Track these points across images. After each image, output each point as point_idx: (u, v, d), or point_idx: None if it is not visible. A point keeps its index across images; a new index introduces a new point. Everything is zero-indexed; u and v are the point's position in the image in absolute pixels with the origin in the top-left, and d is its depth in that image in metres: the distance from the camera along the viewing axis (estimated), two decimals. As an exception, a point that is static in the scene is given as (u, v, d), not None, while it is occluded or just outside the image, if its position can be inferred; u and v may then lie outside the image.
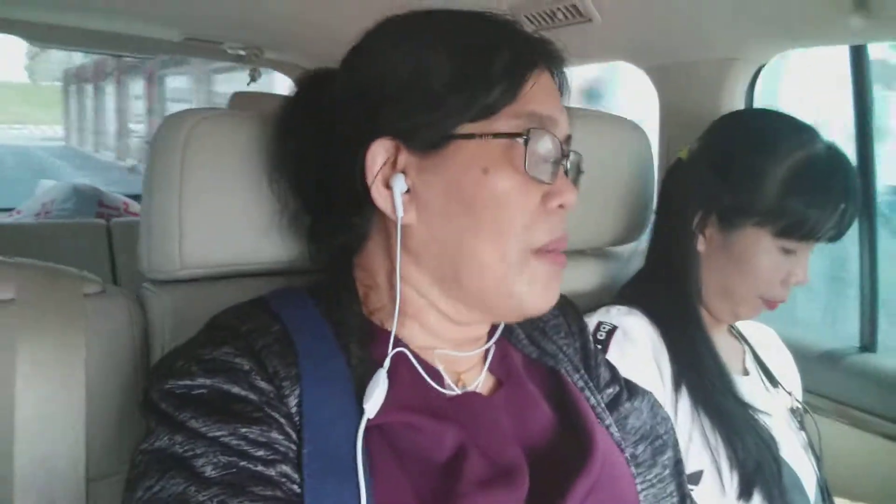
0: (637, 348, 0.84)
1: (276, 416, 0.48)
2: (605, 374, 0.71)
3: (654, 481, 0.66)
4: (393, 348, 0.55)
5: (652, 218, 1.03)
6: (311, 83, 0.66)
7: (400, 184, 0.54)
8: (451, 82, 0.53)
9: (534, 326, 0.68)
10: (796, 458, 0.89)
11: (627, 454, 0.64)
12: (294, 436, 0.48)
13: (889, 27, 0.96)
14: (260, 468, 0.45)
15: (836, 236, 0.86)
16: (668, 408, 0.82)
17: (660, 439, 0.69)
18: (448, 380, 0.58)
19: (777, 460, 0.84)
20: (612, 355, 0.82)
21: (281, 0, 1.41)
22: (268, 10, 1.51)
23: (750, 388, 0.92)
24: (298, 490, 0.46)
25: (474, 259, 0.54)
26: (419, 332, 0.59)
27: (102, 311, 0.69)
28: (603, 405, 0.67)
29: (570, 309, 0.74)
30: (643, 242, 1.04)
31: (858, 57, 1.20)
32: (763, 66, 1.20)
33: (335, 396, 0.50)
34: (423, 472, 0.50)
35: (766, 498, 0.81)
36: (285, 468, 0.46)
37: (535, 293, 0.56)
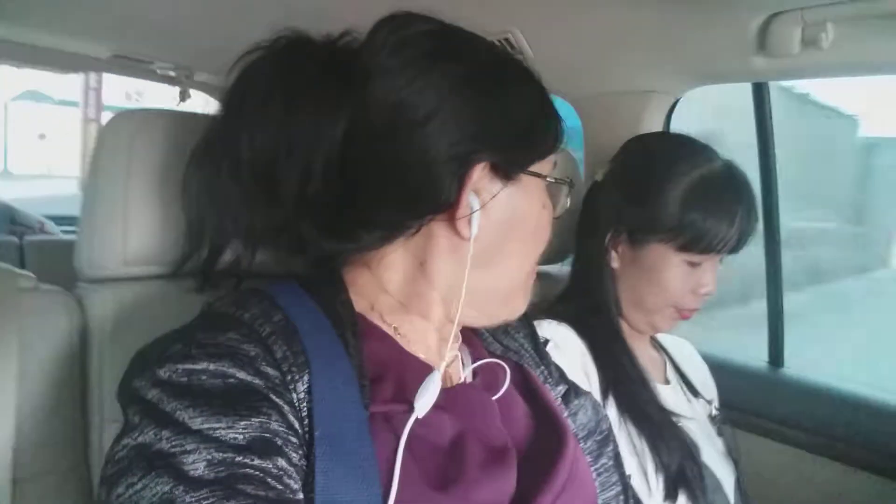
0: (567, 359, 0.88)
1: (281, 402, 0.47)
2: (555, 373, 0.75)
3: (601, 471, 0.69)
4: (380, 337, 0.58)
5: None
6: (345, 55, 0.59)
7: (478, 203, 0.57)
8: (535, 121, 0.59)
9: (497, 327, 0.71)
10: (716, 463, 0.94)
11: (580, 445, 0.68)
12: (297, 424, 0.47)
13: (786, 67, 1.06)
14: (257, 461, 0.43)
15: (736, 248, 0.92)
16: None
17: (603, 433, 0.72)
18: (449, 371, 0.62)
19: (698, 464, 0.88)
20: None
21: (213, 20, 1.39)
22: (199, 30, 1.49)
23: (672, 396, 0.97)
24: (295, 486, 0.45)
25: (507, 271, 0.61)
26: (420, 327, 0.61)
27: (37, 308, 0.67)
28: (559, 399, 0.71)
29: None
30: (568, 263, 1.09)
31: (760, 91, 1.32)
32: (679, 98, 1.29)
33: (340, 385, 0.50)
34: (429, 457, 0.52)
35: (689, 499, 0.85)
36: (282, 462, 0.45)
37: (524, 301, 0.65)
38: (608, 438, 0.73)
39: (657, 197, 0.91)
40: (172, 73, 1.76)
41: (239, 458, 0.43)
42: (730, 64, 1.12)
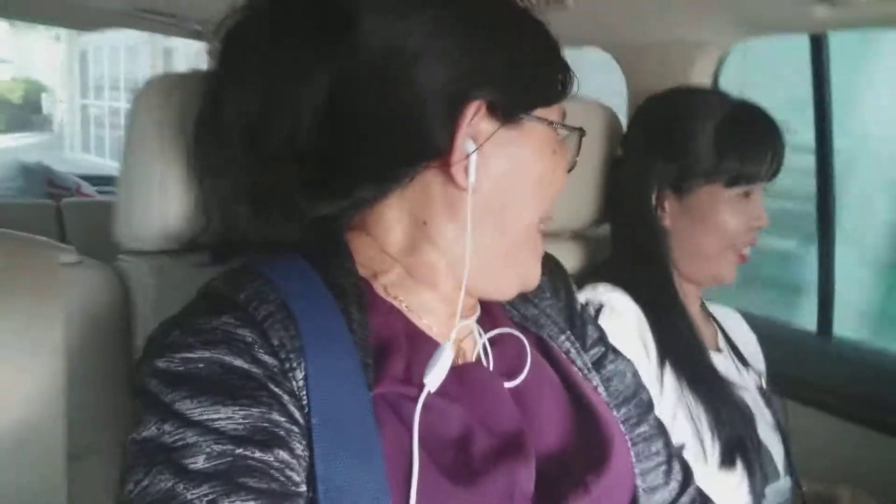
0: (625, 324, 0.87)
1: (280, 392, 0.45)
2: (592, 334, 0.71)
3: (638, 440, 0.66)
4: (387, 310, 0.55)
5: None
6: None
7: (474, 150, 0.53)
8: (539, 66, 0.56)
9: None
10: (766, 435, 0.92)
11: (615, 414, 0.64)
12: (298, 414, 0.45)
13: (850, 16, 0.98)
14: (258, 454, 0.42)
15: (776, 171, 0.94)
16: (653, 383, 0.85)
17: (643, 401, 0.69)
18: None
19: (756, 432, 0.87)
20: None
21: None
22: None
23: (724, 365, 0.95)
24: (297, 479, 0.44)
25: (512, 226, 0.57)
26: (428, 299, 0.57)
27: (80, 282, 0.66)
28: (589, 365, 0.66)
29: (556, 268, 0.74)
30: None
31: (818, 46, 1.24)
32: (728, 51, 1.22)
33: (340, 365, 0.48)
34: (438, 447, 0.49)
35: (746, 468, 0.84)
36: (284, 454, 0.43)
37: (535, 265, 0.60)
38: (650, 406, 0.70)
39: (690, 145, 0.93)
40: (199, 28, 1.72)
41: (239, 451, 0.42)
42: (788, 12, 1.05)
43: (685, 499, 0.68)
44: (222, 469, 0.41)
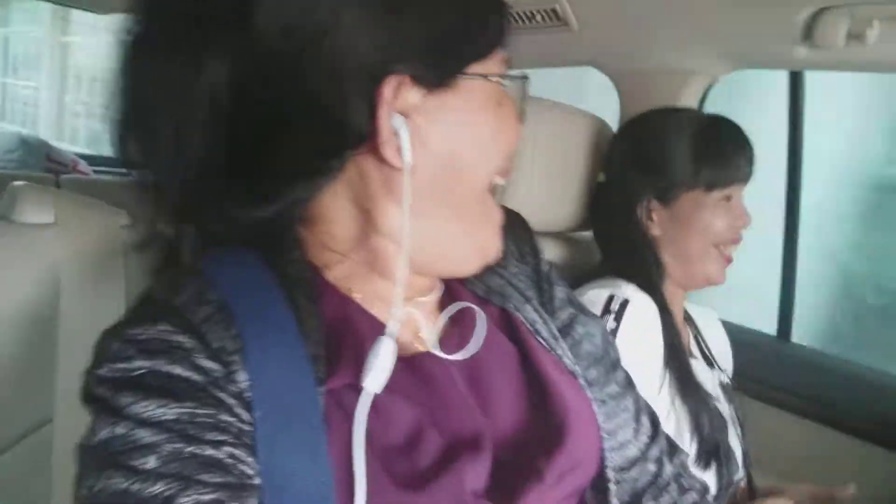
0: (650, 322, 0.95)
1: (224, 396, 0.43)
2: (559, 295, 0.68)
3: (606, 399, 0.65)
4: (340, 300, 0.52)
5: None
6: None
7: (404, 126, 0.48)
8: (465, 18, 0.50)
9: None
10: (728, 431, 1.01)
11: (581, 381, 0.61)
12: (246, 415, 0.44)
13: (828, 59, 1.09)
14: (209, 452, 0.41)
15: (750, 174, 1.03)
16: (655, 381, 0.93)
17: (611, 361, 0.68)
18: (405, 338, 0.53)
19: (727, 437, 0.96)
20: (628, 328, 0.92)
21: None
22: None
23: (698, 368, 1.04)
24: (251, 472, 0.42)
25: (472, 194, 0.53)
26: (382, 287, 0.53)
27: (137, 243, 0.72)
28: (555, 333, 0.63)
29: (521, 231, 0.70)
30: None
31: (795, 80, 1.36)
32: (715, 81, 1.32)
33: (286, 360, 0.45)
34: (385, 449, 0.46)
35: (717, 470, 0.94)
36: (235, 451, 0.42)
37: (493, 233, 0.56)
38: (617, 365, 0.69)
39: (670, 158, 1.02)
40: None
41: (190, 449, 0.41)
42: (772, 50, 1.15)
43: (654, 450, 0.68)
44: (175, 467, 0.40)
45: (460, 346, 0.54)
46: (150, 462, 0.40)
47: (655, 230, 1.04)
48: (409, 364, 0.51)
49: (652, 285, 1.00)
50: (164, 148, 0.49)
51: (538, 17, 1.30)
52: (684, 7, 1.14)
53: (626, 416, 0.66)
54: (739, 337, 1.24)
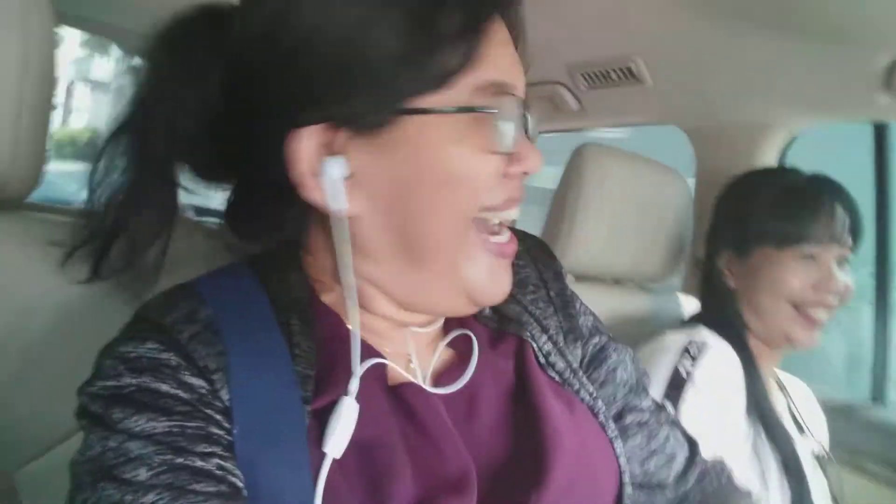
0: (728, 367, 0.95)
1: (211, 412, 0.45)
2: (588, 323, 0.67)
3: (643, 423, 0.65)
4: (336, 321, 0.52)
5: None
6: (198, 23, 0.54)
7: (338, 169, 0.47)
8: (400, 50, 0.45)
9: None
10: (819, 501, 0.97)
11: (603, 416, 0.59)
12: (234, 430, 0.45)
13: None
14: (199, 463, 0.42)
15: (842, 239, 0.98)
16: (738, 427, 0.92)
17: (643, 386, 0.69)
18: (396, 368, 0.53)
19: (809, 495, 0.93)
20: (705, 371, 0.92)
21: None
22: None
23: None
24: (241, 484, 0.43)
25: (433, 237, 0.49)
26: (367, 319, 0.53)
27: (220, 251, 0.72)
28: (573, 366, 0.61)
29: (542, 254, 0.68)
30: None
31: (880, 134, 1.32)
32: (795, 135, 1.31)
33: (272, 379, 0.46)
34: (366, 489, 0.45)
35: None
36: (225, 463, 0.43)
37: (489, 272, 0.51)
38: (646, 392, 0.69)
39: (749, 208, 1.03)
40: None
41: (180, 460, 0.42)
42: (850, 101, 1.15)
43: (693, 473, 0.67)
44: (166, 478, 0.41)
45: (461, 376, 0.54)
46: (142, 474, 0.41)
47: (732, 282, 1.06)
48: (394, 393, 0.51)
49: (734, 335, 1.00)
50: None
51: (613, 76, 1.35)
52: (757, 60, 1.16)
53: (661, 439, 0.66)
54: (826, 403, 1.18)
